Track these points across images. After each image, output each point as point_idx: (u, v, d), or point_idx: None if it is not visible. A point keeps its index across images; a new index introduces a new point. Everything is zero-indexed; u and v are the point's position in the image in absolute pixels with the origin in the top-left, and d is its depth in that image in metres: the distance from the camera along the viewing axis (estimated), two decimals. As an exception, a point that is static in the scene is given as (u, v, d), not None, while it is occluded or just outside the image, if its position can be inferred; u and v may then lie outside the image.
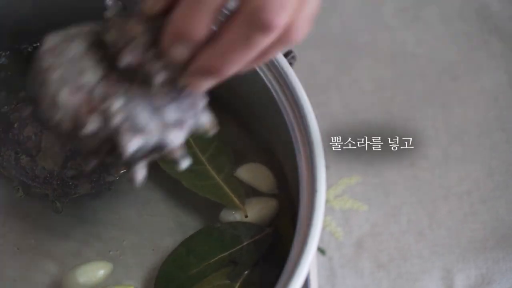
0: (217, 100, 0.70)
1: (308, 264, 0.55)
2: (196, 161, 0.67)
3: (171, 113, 0.49)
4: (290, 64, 0.63)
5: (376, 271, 0.78)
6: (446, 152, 0.84)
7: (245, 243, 0.65)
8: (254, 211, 0.66)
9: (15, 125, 0.64)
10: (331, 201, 0.81)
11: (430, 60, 0.88)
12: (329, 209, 0.81)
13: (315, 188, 0.58)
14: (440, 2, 0.91)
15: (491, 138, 0.84)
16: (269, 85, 0.62)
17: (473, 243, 0.79)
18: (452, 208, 0.81)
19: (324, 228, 0.80)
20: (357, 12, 0.90)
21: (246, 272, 0.63)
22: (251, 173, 0.68)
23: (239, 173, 0.68)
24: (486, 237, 0.80)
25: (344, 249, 0.79)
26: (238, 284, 0.63)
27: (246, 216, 0.66)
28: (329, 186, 0.81)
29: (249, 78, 0.64)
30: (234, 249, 0.64)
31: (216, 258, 0.64)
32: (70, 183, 0.64)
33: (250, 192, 0.68)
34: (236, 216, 0.66)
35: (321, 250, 0.79)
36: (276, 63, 0.62)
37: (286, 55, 0.65)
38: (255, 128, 0.69)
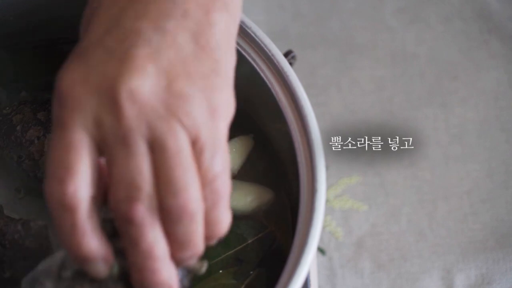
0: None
1: (308, 264, 0.55)
2: None
3: None
4: (290, 64, 0.63)
5: (376, 271, 0.78)
6: (446, 152, 0.83)
7: (249, 241, 0.64)
8: (254, 197, 0.66)
9: (18, 128, 0.63)
10: (331, 201, 0.81)
11: (430, 60, 0.88)
12: (329, 209, 0.80)
13: (315, 188, 0.58)
14: (439, 2, 0.91)
15: (491, 138, 0.84)
16: (269, 85, 0.62)
17: (473, 243, 0.79)
18: (452, 208, 0.81)
19: (324, 228, 0.80)
20: (357, 12, 0.90)
21: (251, 272, 0.63)
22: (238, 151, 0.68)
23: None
24: (486, 237, 0.80)
25: (344, 249, 0.79)
26: (244, 285, 0.63)
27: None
28: (329, 186, 0.81)
29: (249, 78, 0.64)
30: (239, 248, 0.64)
31: (222, 256, 0.64)
32: (71, 184, 0.64)
33: (247, 171, 0.68)
34: (240, 200, 0.65)
35: (321, 250, 0.79)
36: (276, 63, 0.62)
37: (286, 55, 0.65)
38: (254, 128, 0.69)
